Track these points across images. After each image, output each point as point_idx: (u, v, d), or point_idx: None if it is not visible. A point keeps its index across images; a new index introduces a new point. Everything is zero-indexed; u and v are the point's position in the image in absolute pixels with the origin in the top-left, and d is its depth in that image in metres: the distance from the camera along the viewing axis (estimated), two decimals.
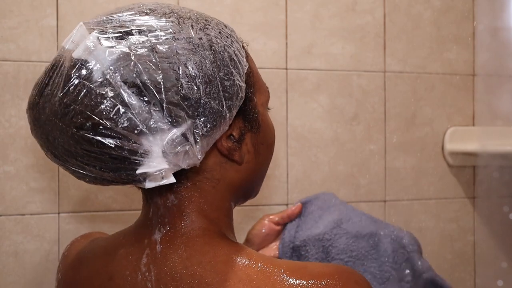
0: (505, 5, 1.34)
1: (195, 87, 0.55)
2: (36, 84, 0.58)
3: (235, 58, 0.60)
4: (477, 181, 1.33)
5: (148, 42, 0.55)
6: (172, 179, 0.57)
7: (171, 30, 0.56)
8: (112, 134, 0.53)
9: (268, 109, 0.71)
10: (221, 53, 0.58)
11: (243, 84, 0.61)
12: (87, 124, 0.53)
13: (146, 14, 0.58)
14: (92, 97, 0.53)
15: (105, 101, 0.53)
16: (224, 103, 0.58)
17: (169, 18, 0.58)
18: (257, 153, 0.67)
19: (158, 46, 0.55)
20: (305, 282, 0.57)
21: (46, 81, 0.56)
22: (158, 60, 0.54)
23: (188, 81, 0.55)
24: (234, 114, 0.60)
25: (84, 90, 0.53)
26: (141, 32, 0.55)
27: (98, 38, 0.55)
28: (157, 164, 0.55)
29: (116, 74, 0.53)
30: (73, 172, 0.58)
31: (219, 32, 0.60)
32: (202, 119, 0.56)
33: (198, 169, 0.62)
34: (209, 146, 0.59)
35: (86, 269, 0.68)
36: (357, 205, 1.21)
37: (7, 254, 1.04)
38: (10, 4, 1.04)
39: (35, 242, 1.05)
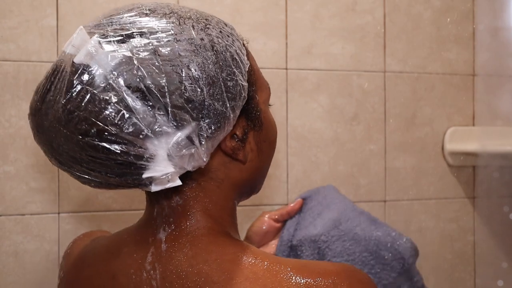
0: (505, 5, 1.34)
1: (198, 89, 0.55)
2: (38, 89, 0.58)
3: (236, 58, 0.60)
4: (477, 181, 1.33)
5: (150, 44, 0.54)
6: (178, 182, 0.57)
7: (172, 32, 0.56)
8: (118, 140, 0.53)
9: (269, 105, 0.71)
10: (223, 53, 0.58)
11: (245, 84, 0.61)
12: (92, 131, 0.53)
13: (146, 15, 0.57)
14: (96, 103, 0.52)
15: (109, 107, 0.52)
16: (228, 104, 0.58)
17: (169, 18, 0.57)
18: (260, 151, 0.67)
19: (160, 48, 0.54)
20: (311, 280, 0.57)
21: (48, 86, 0.56)
22: (161, 63, 0.54)
23: (191, 84, 0.54)
24: (237, 114, 0.60)
25: (88, 96, 0.52)
26: (142, 34, 0.55)
27: (99, 42, 0.54)
28: (163, 168, 0.55)
29: (119, 79, 0.53)
30: (78, 178, 0.58)
31: (220, 32, 0.60)
32: (206, 121, 0.56)
33: (202, 170, 0.61)
34: (214, 147, 0.59)
35: (88, 267, 0.68)
36: (357, 205, 1.21)
37: (7, 254, 1.04)
38: (10, 4, 1.04)
39: (35, 242, 1.05)
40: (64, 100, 0.53)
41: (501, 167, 1.30)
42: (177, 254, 0.60)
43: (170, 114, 0.54)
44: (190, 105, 0.54)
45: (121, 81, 0.53)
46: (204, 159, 0.58)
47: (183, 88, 0.54)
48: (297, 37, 1.20)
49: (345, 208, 0.89)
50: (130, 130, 0.53)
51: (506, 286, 1.28)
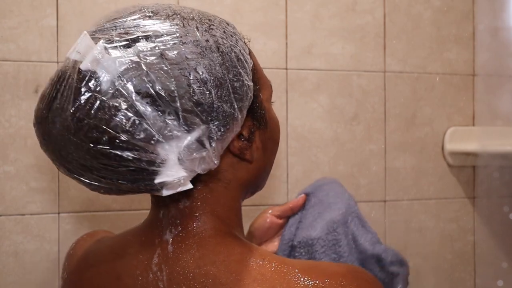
0: (505, 5, 1.34)
1: (207, 91, 0.55)
2: (43, 97, 0.57)
3: (241, 58, 0.60)
4: (477, 181, 1.33)
5: (156, 48, 0.54)
6: (189, 185, 0.57)
7: (177, 34, 0.55)
8: (129, 146, 0.52)
9: (272, 102, 0.71)
10: (229, 54, 0.58)
11: (251, 84, 0.60)
12: (104, 139, 0.52)
13: (150, 17, 0.57)
14: (106, 110, 0.52)
15: (119, 114, 0.52)
16: (236, 105, 0.58)
17: (173, 20, 0.57)
18: (265, 149, 0.67)
19: (167, 52, 0.54)
20: (320, 282, 0.57)
21: (54, 94, 0.55)
22: (169, 67, 0.53)
23: (199, 86, 0.54)
24: (245, 115, 0.60)
25: (97, 103, 0.52)
26: (148, 38, 0.54)
27: (105, 48, 0.53)
28: (175, 173, 0.54)
29: (128, 85, 0.52)
30: (88, 185, 0.57)
31: (224, 32, 0.60)
32: (215, 123, 0.56)
33: (211, 172, 0.61)
34: (224, 149, 0.59)
35: (92, 268, 0.67)
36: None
37: (7, 254, 1.04)
38: (10, 4, 1.04)
39: (35, 242, 1.05)
40: (73, 108, 0.52)
41: (501, 167, 1.30)
42: (184, 256, 0.60)
43: (181, 118, 0.53)
44: (199, 108, 0.54)
45: (130, 87, 0.52)
46: (215, 162, 0.58)
47: (191, 91, 0.54)
48: (297, 37, 1.20)
49: (346, 208, 0.88)
50: (142, 136, 0.52)
51: (506, 286, 1.28)
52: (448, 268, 1.31)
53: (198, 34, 0.56)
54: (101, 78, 0.52)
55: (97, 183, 0.56)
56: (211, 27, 0.59)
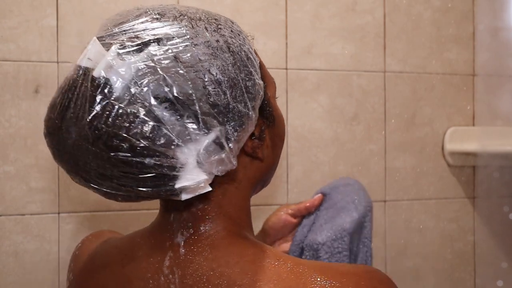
0: (505, 5, 1.34)
1: (221, 93, 0.54)
2: (53, 107, 0.55)
3: (250, 56, 0.59)
4: (477, 181, 1.33)
5: (170, 52, 0.53)
6: (208, 188, 0.56)
7: (188, 36, 0.55)
8: (150, 153, 0.51)
9: (275, 98, 0.70)
10: (239, 53, 0.58)
11: (261, 82, 0.60)
12: (124, 146, 0.51)
13: (158, 20, 0.56)
14: (124, 117, 0.51)
15: (138, 120, 0.51)
16: (249, 105, 0.57)
17: (181, 22, 0.56)
18: (274, 146, 0.67)
19: (180, 55, 0.53)
20: (337, 282, 0.56)
21: (66, 103, 0.53)
22: (184, 70, 0.52)
23: (214, 88, 0.54)
24: (257, 114, 0.60)
25: (114, 111, 0.51)
26: (159, 41, 0.53)
27: (118, 53, 0.52)
28: (196, 176, 0.54)
29: (145, 90, 0.51)
30: (105, 194, 0.56)
31: (231, 31, 0.59)
32: (231, 124, 0.55)
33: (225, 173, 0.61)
34: (239, 149, 0.59)
35: (100, 270, 0.67)
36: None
37: (7, 254, 1.04)
38: (10, 4, 1.04)
39: (35, 242, 1.05)
40: (90, 117, 0.51)
41: (501, 167, 1.30)
42: (197, 258, 0.59)
43: (200, 121, 0.53)
44: (215, 110, 0.54)
45: (148, 93, 0.51)
46: (234, 163, 0.57)
47: (207, 93, 0.53)
48: (297, 37, 1.20)
49: (358, 216, 0.85)
50: (162, 141, 0.51)
51: (506, 286, 1.28)
52: (448, 268, 1.31)
53: (207, 35, 0.56)
54: (116, 85, 0.51)
55: (115, 191, 0.55)
56: (219, 26, 0.58)
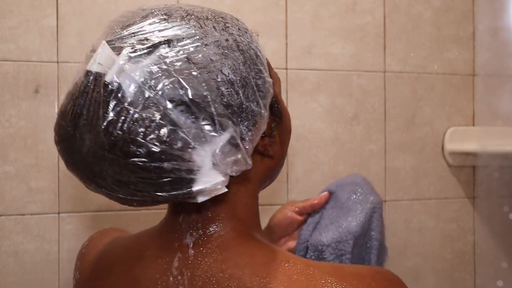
0: (505, 5, 1.34)
1: (234, 93, 0.54)
2: (64, 114, 0.54)
3: (259, 54, 0.59)
4: (477, 181, 1.33)
5: (181, 53, 0.52)
6: (224, 189, 0.55)
7: (197, 36, 0.54)
8: (168, 157, 0.51)
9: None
10: (248, 52, 0.57)
11: (270, 79, 0.60)
12: (142, 152, 0.50)
13: (165, 20, 0.55)
14: (140, 122, 0.50)
15: (153, 125, 0.50)
16: (261, 103, 0.57)
17: (189, 21, 0.55)
18: (282, 142, 0.66)
19: (192, 56, 0.52)
20: (348, 284, 0.55)
21: (78, 110, 0.52)
22: (198, 71, 0.52)
23: (227, 88, 0.53)
24: (268, 112, 0.59)
25: (129, 116, 0.50)
26: (170, 42, 0.53)
27: (130, 57, 0.51)
28: (213, 178, 0.53)
29: (160, 94, 0.50)
30: (120, 199, 0.55)
31: (239, 29, 0.59)
32: (245, 124, 0.55)
33: None
34: (253, 148, 0.58)
35: (108, 269, 0.66)
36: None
37: (7, 254, 1.04)
38: (10, 4, 1.04)
39: (35, 242, 1.05)
40: (105, 123, 0.50)
41: (501, 167, 1.30)
42: (206, 259, 0.58)
43: (216, 123, 0.52)
44: (229, 110, 0.53)
45: (163, 96, 0.50)
46: (249, 163, 0.56)
47: (220, 94, 0.53)
48: (297, 37, 1.20)
49: (364, 218, 0.84)
50: (179, 145, 0.51)
51: (506, 286, 1.28)
52: (448, 268, 1.31)
53: (217, 34, 0.55)
54: (129, 89, 0.50)
55: (131, 197, 0.54)
56: (226, 25, 0.58)
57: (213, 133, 0.52)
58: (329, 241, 0.82)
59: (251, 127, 0.56)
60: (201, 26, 0.55)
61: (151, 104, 0.50)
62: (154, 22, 0.55)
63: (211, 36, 0.55)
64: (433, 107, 1.30)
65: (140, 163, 0.50)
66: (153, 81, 0.51)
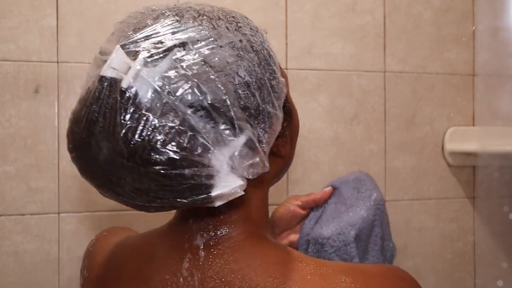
0: (505, 5, 1.34)
1: (251, 95, 0.53)
2: (78, 120, 0.52)
3: (271, 54, 0.58)
4: (477, 181, 1.33)
5: (198, 56, 0.51)
6: (241, 193, 0.53)
7: (212, 38, 0.53)
8: (188, 163, 0.49)
9: None
10: (262, 52, 0.56)
11: (283, 79, 0.59)
12: (162, 159, 0.49)
13: (178, 21, 0.53)
14: (159, 129, 0.48)
15: (173, 131, 0.49)
16: (276, 104, 0.56)
17: (201, 22, 0.54)
18: (292, 141, 0.66)
19: (209, 59, 0.51)
20: (361, 284, 0.55)
21: (93, 117, 0.50)
22: (215, 75, 0.51)
23: (244, 91, 0.52)
24: (283, 112, 0.59)
25: (148, 123, 0.48)
26: (185, 45, 0.51)
27: (146, 62, 0.50)
28: (232, 182, 0.52)
29: (179, 99, 0.49)
30: (137, 206, 0.54)
31: (250, 28, 0.58)
32: (262, 126, 0.54)
33: None
34: (269, 150, 0.58)
35: (116, 269, 0.65)
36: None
37: (7, 254, 1.04)
38: (10, 4, 1.04)
39: (35, 242, 1.05)
40: (123, 131, 0.49)
41: (501, 167, 1.30)
42: (217, 261, 0.58)
43: (235, 126, 0.51)
44: (247, 113, 0.53)
45: (182, 102, 0.49)
46: (267, 165, 0.56)
47: (238, 97, 0.52)
48: (297, 37, 1.20)
49: (367, 213, 0.84)
50: (199, 151, 0.50)
51: (506, 286, 1.28)
52: (448, 268, 1.31)
53: (230, 35, 0.54)
54: (147, 95, 0.49)
55: (149, 204, 0.53)
56: (239, 25, 0.57)
57: (232, 137, 0.51)
58: (330, 234, 0.82)
59: (267, 129, 0.55)
60: (214, 27, 0.54)
61: (170, 110, 0.49)
62: (167, 24, 0.53)
63: (225, 37, 0.54)
64: (433, 107, 1.30)
65: (162, 171, 0.49)
66: (171, 86, 0.49)
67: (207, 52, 0.52)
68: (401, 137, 1.27)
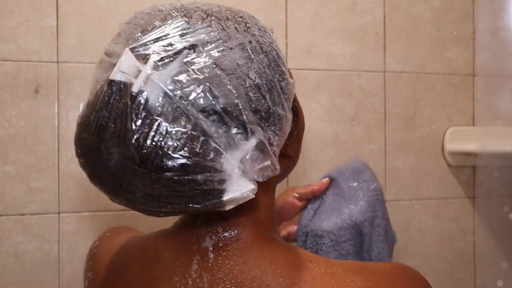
0: (505, 5, 1.34)
1: (262, 97, 0.52)
2: (86, 126, 0.51)
3: (280, 54, 0.57)
4: (477, 181, 1.33)
5: (208, 59, 0.50)
6: (252, 196, 0.53)
7: (221, 40, 0.52)
8: (201, 169, 0.49)
9: None
10: (271, 53, 0.56)
11: (292, 80, 0.58)
12: (175, 166, 0.48)
13: (186, 23, 0.52)
14: (172, 134, 0.48)
15: (186, 136, 0.48)
16: (286, 106, 0.56)
17: (210, 23, 0.53)
18: (299, 141, 0.66)
19: (219, 62, 0.50)
20: (372, 283, 0.55)
21: (102, 122, 0.49)
22: (227, 78, 0.50)
23: (255, 93, 0.52)
24: (292, 113, 0.58)
25: (160, 128, 0.48)
26: (195, 48, 0.50)
27: (156, 65, 0.49)
28: (244, 187, 0.51)
29: (192, 103, 0.48)
30: (147, 211, 0.53)
31: (259, 29, 0.57)
32: (272, 129, 0.54)
33: None
34: (279, 153, 0.57)
35: (122, 270, 0.65)
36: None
37: (7, 254, 1.04)
38: (10, 4, 1.04)
39: (35, 242, 1.05)
40: (135, 137, 0.48)
41: (501, 167, 1.30)
42: (227, 262, 0.57)
43: (247, 130, 0.51)
44: (258, 116, 0.52)
45: (194, 106, 0.48)
46: (278, 168, 0.55)
47: (249, 100, 0.51)
48: (297, 37, 1.20)
49: (366, 207, 0.84)
50: (212, 156, 0.49)
51: (506, 286, 1.28)
52: (448, 268, 1.31)
53: (240, 36, 0.53)
54: (159, 100, 0.48)
55: (159, 209, 0.52)
56: (247, 25, 0.56)
57: (243, 141, 0.51)
58: (330, 227, 0.82)
59: (277, 132, 0.55)
60: (223, 28, 0.53)
61: (182, 115, 0.48)
62: (176, 26, 0.52)
63: (234, 39, 0.53)
64: (433, 107, 1.30)
65: (175, 177, 0.48)
66: (183, 90, 0.48)
67: (217, 54, 0.51)
68: (401, 137, 1.27)
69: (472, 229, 1.33)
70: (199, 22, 0.53)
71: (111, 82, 0.49)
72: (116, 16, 1.09)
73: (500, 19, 1.35)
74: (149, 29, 0.52)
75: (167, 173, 0.48)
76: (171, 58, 0.49)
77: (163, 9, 0.55)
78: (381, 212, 0.85)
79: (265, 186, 0.61)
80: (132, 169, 0.49)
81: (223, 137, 0.50)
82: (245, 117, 0.50)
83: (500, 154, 1.27)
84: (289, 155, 0.63)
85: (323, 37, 1.22)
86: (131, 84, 0.48)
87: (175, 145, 0.48)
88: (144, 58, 0.50)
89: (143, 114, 0.48)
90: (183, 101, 0.48)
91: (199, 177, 0.49)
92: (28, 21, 1.05)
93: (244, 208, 0.58)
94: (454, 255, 1.32)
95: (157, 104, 0.48)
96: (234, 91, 0.50)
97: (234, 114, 0.50)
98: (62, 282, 1.06)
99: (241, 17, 0.57)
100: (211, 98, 0.49)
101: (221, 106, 0.49)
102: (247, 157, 0.51)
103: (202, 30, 0.52)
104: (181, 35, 0.51)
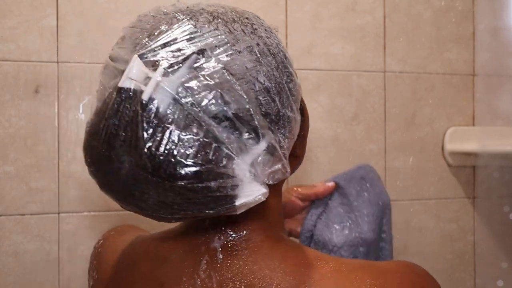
0: (505, 5, 1.34)
1: (271, 101, 0.52)
2: (96, 134, 0.50)
3: (287, 55, 0.57)
4: (477, 181, 1.33)
5: (218, 64, 0.49)
6: (262, 199, 0.52)
7: (229, 43, 0.51)
8: (214, 176, 0.48)
9: None
10: (278, 55, 0.55)
11: (299, 81, 0.58)
12: (188, 173, 0.47)
13: (194, 26, 0.51)
14: (185, 143, 0.47)
15: (198, 143, 0.47)
16: (295, 108, 0.56)
17: (217, 26, 0.52)
18: (304, 139, 0.65)
19: (228, 66, 0.50)
20: (383, 281, 0.55)
21: (112, 130, 0.49)
22: (237, 83, 0.49)
23: (264, 97, 0.51)
24: (300, 115, 0.58)
25: (173, 136, 0.47)
26: (203, 52, 0.50)
27: (166, 72, 0.48)
28: (256, 191, 0.51)
29: (203, 110, 0.48)
30: (158, 218, 0.53)
31: (265, 30, 0.56)
32: (282, 131, 0.54)
33: None
34: (289, 155, 0.57)
35: (128, 270, 0.64)
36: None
37: (7, 254, 1.04)
38: (10, 4, 1.04)
39: (35, 242, 1.05)
40: (147, 146, 0.47)
41: (501, 167, 1.30)
42: (236, 263, 0.57)
43: (259, 135, 0.51)
44: (268, 120, 0.52)
45: (205, 113, 0.48)
46: (289, 171, 0.55)
47: (259, 104, 0.51)
48: (297, 37, 1.20)
49: (375, 220, 0.83)
50: (224, 162, 0.49)
51: (506, 286, 1.28)
52: (448, 268, 1.31)
53: (247, 39, 0.53)
54: (170, 107, 0.47)
55: (171, 216, 0.52)
56: (254, 27, 0.55)
57: (254, 146, 0.51)
58: (341, 243, 0.81)
59: (287, 134, 0.54)
60: (230, 31, 0.52)
61: (193, 122, 0.48)
62: (183, 30, 0.51)
63: (242, 42, 0.52)
64: (433, 107, 1.30)
65: (188, 185, 0.48)
66: (193, 97, 0.48)
67: (226, 58, 0.50)
68: (401, 137, 1.27)
69: (472, 229, 1.33)
70: (206, 25, 0.52)
71: (120, 90, 0.48)
72: (116, 16, 1.09)
73: (500, 19, 1.35)
74: (156, 33, 0.51)
75: (180, 181, 0.48)
76: (180, 64, 0.49)
77: (168, 11, 0.54)
78: (387, 226, 0.85)
79: (274, 188, 0.60)
80: (144, 177, 0.48)
81: (234, 142, 0.49)
82: (256, 122, 0.50)
83: (500, 154, 1.27)
84: (297, 155, 0.63)
85: (323, 37, 1.22)
86: (140, 92, 0.48)
87: (188, 152, 0.47)
88: (154, 65, 0.49)
89: (155, 122, 0.47)
90: (194, 108, 0.48)
91: (213, 184, 0.48)
92: (28, 21, 1.05)
93: (254, 209, 0.58)
94: (454, 255, 1.32)
95: (168, 112, 0.47)
96: (245, 96, 0.49)
97: (246, 119, 0.50)
98: (62, 282, 1.06)
99: (247, 18, 0.57)
100: (222, 104, 0.48)
101: (233, 112, 0.49)
102: (258, 161, 0.51)
103: (210, 34, 0.51)
104: (189, 40, 0.50)
